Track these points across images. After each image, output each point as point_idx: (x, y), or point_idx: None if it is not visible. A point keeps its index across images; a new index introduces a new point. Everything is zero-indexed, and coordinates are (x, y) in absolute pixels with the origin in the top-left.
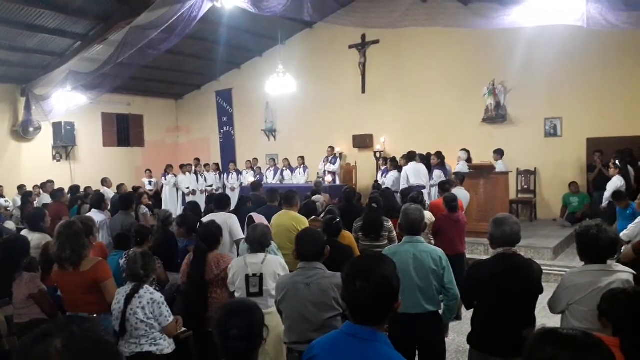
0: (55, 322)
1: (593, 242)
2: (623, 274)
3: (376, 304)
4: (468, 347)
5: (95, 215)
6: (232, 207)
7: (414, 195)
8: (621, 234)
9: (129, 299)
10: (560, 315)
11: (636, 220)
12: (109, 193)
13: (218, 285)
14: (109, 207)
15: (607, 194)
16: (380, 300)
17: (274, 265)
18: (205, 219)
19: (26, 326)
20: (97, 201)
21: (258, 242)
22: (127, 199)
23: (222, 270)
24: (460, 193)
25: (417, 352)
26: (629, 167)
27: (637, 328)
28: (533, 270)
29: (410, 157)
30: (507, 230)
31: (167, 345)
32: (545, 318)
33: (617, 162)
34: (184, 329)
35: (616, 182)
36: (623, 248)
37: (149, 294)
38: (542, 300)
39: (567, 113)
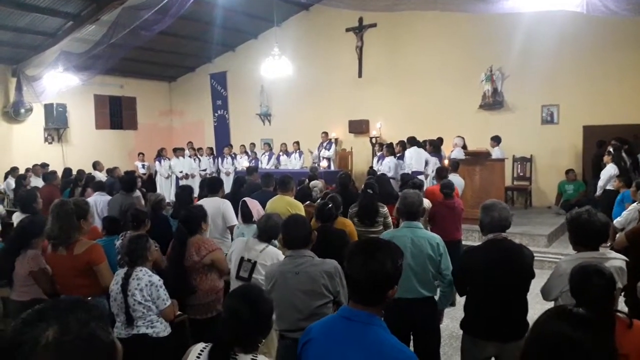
0: (55, 304)
1: (584, 227)
2: (616, 260)
3: (369, 282)
4: (461, 332)
5: (100, 197)
6: (226, 191)
7: (415, 182)
8: (614, 221)
9: (125, 280)
10: (553, 303)
11: (629, 208)
12: (101, 176)
13: (198, 272)
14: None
15: (602, 182)
16: (372, 278)
17: (271, 257)
18: (198, 204)
19: (26, 305)
20: (100, 185)
21: (266, 231)
22: (128, 182)
23: (203, 256)
24: (455, 180)
25: (412, 337)
26: (624, 155)
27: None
28: (524, 255)
29: (411, 142)
30: (495, 216)
31: (163, 328)
32: (538, 304)
33: (610, 149)
34: (179, 312)
35: (610, 170)
36: (617, 235)
37: (148, 276)
38: (536, 287)
39: (564, 100)
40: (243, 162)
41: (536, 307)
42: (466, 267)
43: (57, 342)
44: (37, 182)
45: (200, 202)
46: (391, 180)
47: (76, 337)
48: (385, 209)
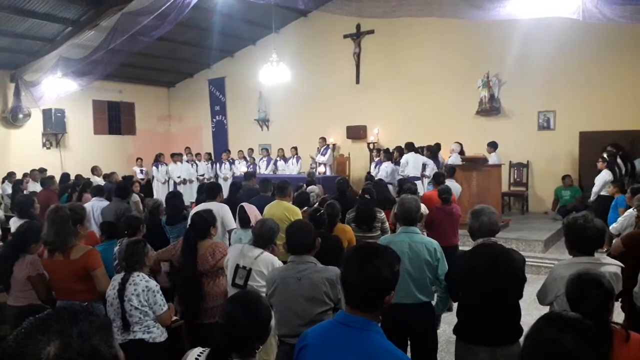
0: (58, 315)
1: (580, 232)
2: (611, 266)
3: (366, 288)
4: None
5: (97, 203)
6: (224, 196)
7: (410, 187)
8: (610, 227)
9: (122, 285)
10: (548, 307)
11: (625, 214)
12: (99, 182)
13: (211, 276)
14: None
15: (596, 188)
16: (369, 284)
17: (266, 264)
18: (197, 209)
19: (23, 310)
20: (99, 190)
21: (261, 237)
22: (123, 188)
23: (218, 260)
24: (451, 185)
25: (409, 343)
26: (619, 161)
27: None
28: (513, 259)
29: (408, 147)
30: (485, 221)
31: (159, 334)
32: (535, 310)
33: (604, 155)
34: (175, 317)
35: (605, 176)
36: (614, 241)
37: (145, 281)
38: (533, 292)
39: (561, 106)
40: (241, 168)
41: (533, 312)
42: (457, 272)
43: (58, 359)
44: (35, 187)
45: (199, 207)
46: (388, 185)
47: (77, 354)
48: (382, 214)
